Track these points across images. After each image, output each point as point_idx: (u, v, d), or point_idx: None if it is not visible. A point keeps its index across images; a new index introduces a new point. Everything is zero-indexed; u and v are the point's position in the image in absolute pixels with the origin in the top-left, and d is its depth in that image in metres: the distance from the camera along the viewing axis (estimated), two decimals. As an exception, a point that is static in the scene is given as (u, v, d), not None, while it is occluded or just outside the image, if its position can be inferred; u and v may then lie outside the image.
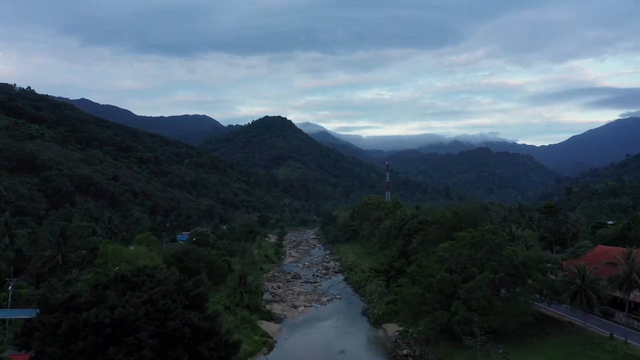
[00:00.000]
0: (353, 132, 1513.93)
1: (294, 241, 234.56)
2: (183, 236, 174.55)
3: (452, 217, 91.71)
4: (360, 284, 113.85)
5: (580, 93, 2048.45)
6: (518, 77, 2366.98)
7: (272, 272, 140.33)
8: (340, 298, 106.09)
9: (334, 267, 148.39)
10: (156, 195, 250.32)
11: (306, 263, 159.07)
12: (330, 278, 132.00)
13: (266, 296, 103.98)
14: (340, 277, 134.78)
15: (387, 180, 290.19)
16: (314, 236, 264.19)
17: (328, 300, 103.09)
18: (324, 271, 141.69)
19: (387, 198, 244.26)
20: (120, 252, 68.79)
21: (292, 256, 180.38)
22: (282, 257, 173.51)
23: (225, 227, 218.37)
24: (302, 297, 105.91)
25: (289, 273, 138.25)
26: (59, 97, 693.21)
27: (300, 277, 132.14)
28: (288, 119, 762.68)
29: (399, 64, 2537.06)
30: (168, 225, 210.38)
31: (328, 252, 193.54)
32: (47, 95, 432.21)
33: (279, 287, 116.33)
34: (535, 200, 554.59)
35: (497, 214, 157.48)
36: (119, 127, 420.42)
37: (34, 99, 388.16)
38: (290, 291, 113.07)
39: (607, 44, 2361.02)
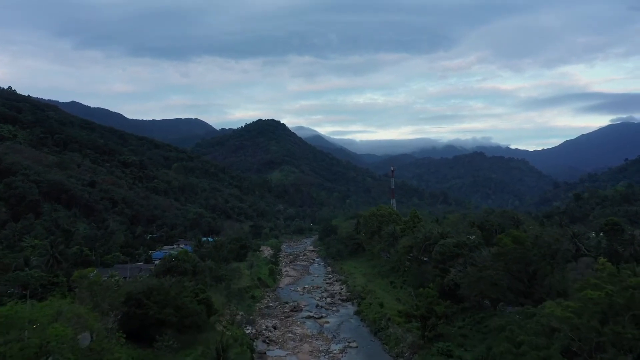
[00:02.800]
0: (346, 136, 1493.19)
1: (290, 254, 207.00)
2: (161, 253, 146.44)
3: (515, 246, 64.73)
4: (379, 323, 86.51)
5: (572, 98, 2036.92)
6: (510, 82, 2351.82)
7: (266, 301, 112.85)
8: (357, 346, 78.70)
9: (340, 293, 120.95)
10: (138, 203, 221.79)
11: (306, 286, 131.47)
12: (338, 310, 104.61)
13: (259, 346, 76.65)
14: (350, 307, 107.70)
15: (392, 186, 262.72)
16: (312, 247, 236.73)
17: (341, 352, 75.68)
18: (329, 299, 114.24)
19: (393, 205, 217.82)
20: (19, 317, 41.12)
21: (289, 275, 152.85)
22: (278, 277, 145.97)
23: (211, 238, 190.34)
24: (306, 346, 78.45)
25: (286, 302, 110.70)
26: (49, 100, 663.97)
27: (302, 309, 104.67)
28: (282, 122, 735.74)
29: (392, 68, 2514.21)
30: (148, 237, 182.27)
31: (329, 269, 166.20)
32: (29, 95, 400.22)
33: (275, 328, 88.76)
34: (534, 205, 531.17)
35: (530, 229, 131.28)
36: (105, 130, 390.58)
37: (14, 100, 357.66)
38: (290, 333, 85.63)
39: (598, 50, 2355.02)
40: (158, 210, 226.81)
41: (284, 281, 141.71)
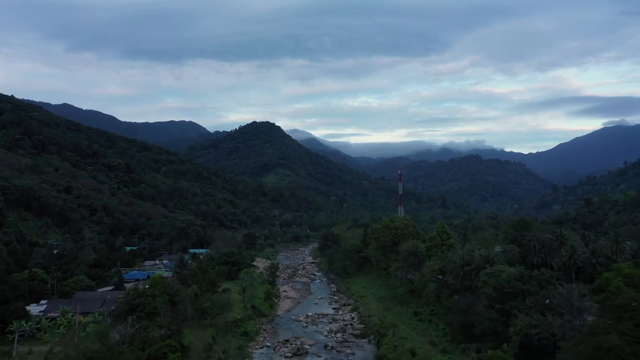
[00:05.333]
0: (341, 139, 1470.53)
1: (288, 268, 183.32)
2: (137, 273, 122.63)
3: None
4: (414, 381, 63.41)
5: (565, 102, 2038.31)
6: (503, 85, 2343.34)
7: (262, 338, 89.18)
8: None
9: (352, 325, 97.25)
10: (120, 210, 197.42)
11: (309, 314, 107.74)
12: (353, 353, 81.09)
13: None
14: (366, 346, 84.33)
15: (400, 192, 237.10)
16: (311, 258, 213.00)
17: None
18: (339, 335, 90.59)
19: (401, 213, 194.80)
20: None
21: (288, 297, 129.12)
22: (275, 299, 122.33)
23: (199, 250, 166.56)
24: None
25: (287, 340, 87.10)
26: (40, 102, 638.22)
27: (307, 351, 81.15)
28: (276, 125, 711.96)
29: (386, 72, 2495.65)
30: (128, 250, 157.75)
31: (334, 287, 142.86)
32: (12, 96, 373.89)
33: (274, 387, 65.27)
34: (534, 209, 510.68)
35: (576, 243, 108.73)
36: (92, 131, 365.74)
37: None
38: (295, 397, 62.27)
39: (590, 53, 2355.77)
40: (142, 219, 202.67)
41: (283, 305, 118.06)
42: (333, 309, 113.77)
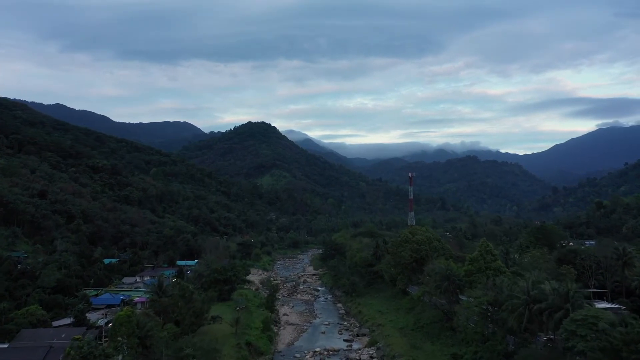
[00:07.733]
0: (337, 140, 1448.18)
1: (287, 281, 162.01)
2: (108, 297, 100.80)
3: None
4: None
5: (559, 103, 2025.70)
6: (498, 87, 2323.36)
7: (259, 391, 67.95)
8: None
9: (372, 367, 76.30)
10: (101, 217, 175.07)
11: (317, 349, 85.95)
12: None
13: None
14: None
15: (411, 196, 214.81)
16: (311, 268, 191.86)
17: None
18: (358, 385, 69.58)
19: (411, 220, 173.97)
20: None
21: (290, 322, 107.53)
22: (275, 328, 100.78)
23: (187, 262, 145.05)
24: None
25: (293, 395, 65.94)
26: (32, 102, 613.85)
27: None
28: (272, 125, 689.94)
29: (382, 73, 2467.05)
30: (106, 264, 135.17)
31: (341, 307, 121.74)
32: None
33: None
34: (534, 211, 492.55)
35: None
36: (80, 131, 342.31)
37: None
38: None
39: (584, 55, 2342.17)
40: (126, 225, 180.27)
41: (284, 336, 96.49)
42: (345, 340, 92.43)
